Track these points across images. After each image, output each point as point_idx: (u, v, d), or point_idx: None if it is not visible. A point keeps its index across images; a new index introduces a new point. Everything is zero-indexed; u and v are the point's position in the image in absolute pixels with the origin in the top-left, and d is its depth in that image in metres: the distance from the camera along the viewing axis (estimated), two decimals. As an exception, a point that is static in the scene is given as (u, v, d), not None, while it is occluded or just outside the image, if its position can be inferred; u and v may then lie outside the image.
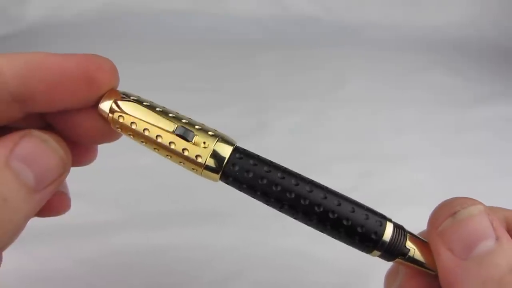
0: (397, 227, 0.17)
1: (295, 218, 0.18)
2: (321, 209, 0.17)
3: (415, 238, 0.17)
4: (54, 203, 0.19)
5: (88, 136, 0.19)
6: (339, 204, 0.17)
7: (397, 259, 0.17)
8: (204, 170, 0.17)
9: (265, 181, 0.17)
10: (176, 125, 0.17)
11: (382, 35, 0.82)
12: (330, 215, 0.17)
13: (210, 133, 0.17)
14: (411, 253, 0.17)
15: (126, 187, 0.41)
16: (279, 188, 0.17)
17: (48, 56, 0.16)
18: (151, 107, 0.17)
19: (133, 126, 0.17)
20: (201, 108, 0.22)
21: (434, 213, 0.17)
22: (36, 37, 0.80)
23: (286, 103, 0.59)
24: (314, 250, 0.36)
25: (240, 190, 0.18)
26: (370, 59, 0.73)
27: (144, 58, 0.72)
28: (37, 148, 0.16)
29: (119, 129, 0.18)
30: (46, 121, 0.19)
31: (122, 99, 0.17)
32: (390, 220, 0.17)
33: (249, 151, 0.18)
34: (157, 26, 0.84)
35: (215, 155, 0.17)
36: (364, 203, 0.18)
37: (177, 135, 0.17)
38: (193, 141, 0.17)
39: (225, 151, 0.17)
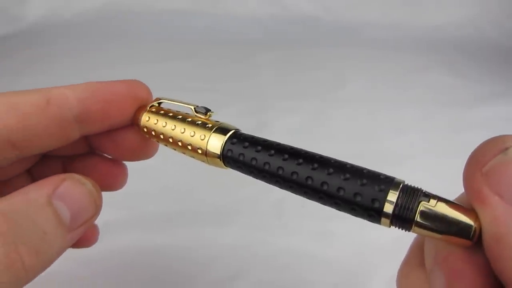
0: (405, 191, 0.15)
1: (293, 190, 0.17)
2: (312, 182, 0.16)
3: (437, 197, 0.14)
4: (84, 236, 0.21)
5: (128, 151, 0.23)
6: (336, 161, 0.16)
7: (413, 229, 0.14)
8: (210, 158, 0.19)
9: (257, 160, 0.18)
10: (195, 106, 0.21)
11: (382, 35, 0.82)
12: (333, 161, 0.16)
13: (207, 127, 0.20)
14: (431, 206, 0.14)
15: (128, 188, 0.41)
16: (273, 154, 0.18)
17: (102, 83, 0.21)
18: (168, 112, 0.21)
19: (154, 122, 0.21)
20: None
21: (478, 149, 0.14)
22: (36, 37, 0.80)
23: (286, 103, 0.59)
24: (315, 250, 0.36)
25: (243, 172, 0.19)
26: (370, 59, 0.73)
27: (144, 58, 0.72)
28: (76, 190, 0.17)
29: (145, 130, 0.21)
30: (90, 146, 0.24)
31: (150, 107, 0.22)
32: (396, 183, 0.15)
33: (246, 134, 0.19)
34: (157, 26, 0.84)
35: (213, 140, 0.19)
36: None
37: (196, 110, 0.20)
38: (207, 116, 0.20)
39: (221, 139, 0.19)
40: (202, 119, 0.20)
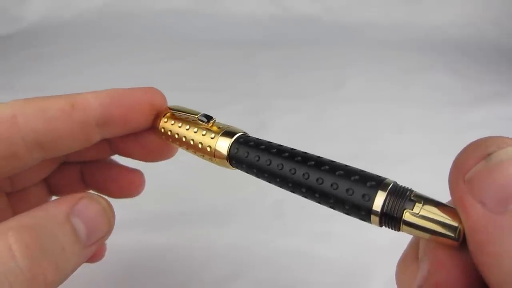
0: (395, 191, 0.15)
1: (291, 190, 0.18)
2: (307, 185, 0.17)
3: (425, 199, 0.15)
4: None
5: (151, 152, 0.24)
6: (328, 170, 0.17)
7: (402, 228, 0.15)
8: (218, 159, 0.21)
9: (259, 163, 0.19)
10: (199, 114, 0.22)
11: (382, 35, 0.82)
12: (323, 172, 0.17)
13: (220, 126, 0.21)
14: (418, 206, 0.14)
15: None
16: (272, 166, 0.18)
17: (122, 90, 0.22)
18: (184, 112, 0.22)
19: (171, 124, 0.22)
20: (201, 108, 0.22)
21: (460, 156, 0.14)
22: (36, 37, 0.80)
23: (286, 102, 0.59)
24: (314, 250, 0.36)
25: (248, 173, 0.20)
26: (370, 59, 0.73)
27: (144, 58, 0.73)
28: (92, 209, 0.18)
29: (163, 132, 0.23)
30: (112, 150, 0.25)
31: (166, 113, 0.23)
32: (385, 183, 0.16)
33: (251, 137, 0.20)
34: (157, 26, 0.84)
35: (220, 143, 0.20)
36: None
37: (199, 119, 0.21)
38: (210, 124, 0.21)
39: (227, 142, 0.20)
40: (206, 127, 0.21)
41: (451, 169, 0.14)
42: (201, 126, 0.22)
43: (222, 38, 0.80)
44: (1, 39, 0.80)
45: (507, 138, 0.13)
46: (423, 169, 0.46)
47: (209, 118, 0.21)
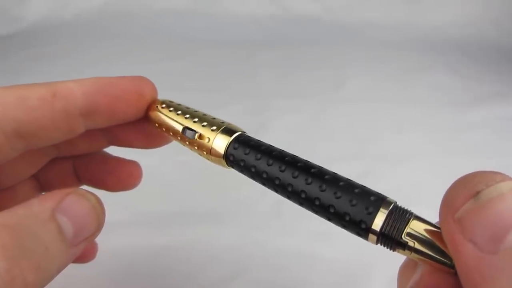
0: (395, 212, 0.15)
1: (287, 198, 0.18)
2: (306, 195, 0.17)
3: (423, 224, 0.15)
4: (83, 252, 0.20)
5: (149, 139, 0.24)
6: (324, 190, 0.17)
7: (398, 250, 0.15)
8: (213, 157, 0.20)
9: (256, 167, 0.18)
10: (182, 127, 0.21)
11: (382, 35, 0.82)
12: (316, 202, 0.17)
13: (214, 127, 0.20)
14: (410, 244, 0.15)
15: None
16: (267, 172, 0.18)
17: (108, 78, 0.21)
18: (177, 111, 0.21)
19: (165, 117, 0.21)
20: (201, 108, 0.22)
21: (449, 193, 0.13)
22: (36, 37, 0.80)
23: (286, 103, 0.59)
24: (314, 250, 0.36)
25: (244, 174, 0.19)
26: (370, 59, 0.73)
27: (143, 58, 0.72)
28: (80, 205, 0.17)
29: (157, 125, 0.22)
30: (108, 141, 0.24)
31: (158, 107, 0.22)
32: (386, 202, 0.16)
33: (251, 138, 0.19)
34: (157, 26, 0.84)
35: (218, 141, 0.20)
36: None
37: (183, 133, 0.21)
38: (195, 138, 0.20)
39: (225, 141, 0.19)
40: (189, 141, 0.20)
41: (440, 206, 0.14)
42: (203, 117, 0.21)
43: (221, 38, 0.80)
44: (1, 39, 0.80)
45: (497, 174, 0.13)
46: (423, 169, 0.46)
47: (192, 132, 0.20)
